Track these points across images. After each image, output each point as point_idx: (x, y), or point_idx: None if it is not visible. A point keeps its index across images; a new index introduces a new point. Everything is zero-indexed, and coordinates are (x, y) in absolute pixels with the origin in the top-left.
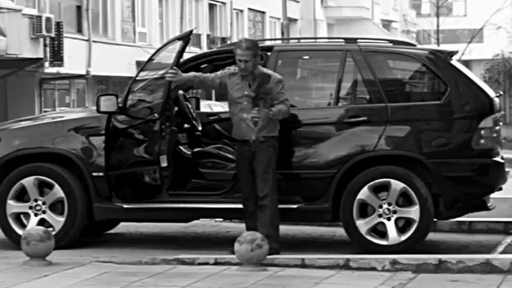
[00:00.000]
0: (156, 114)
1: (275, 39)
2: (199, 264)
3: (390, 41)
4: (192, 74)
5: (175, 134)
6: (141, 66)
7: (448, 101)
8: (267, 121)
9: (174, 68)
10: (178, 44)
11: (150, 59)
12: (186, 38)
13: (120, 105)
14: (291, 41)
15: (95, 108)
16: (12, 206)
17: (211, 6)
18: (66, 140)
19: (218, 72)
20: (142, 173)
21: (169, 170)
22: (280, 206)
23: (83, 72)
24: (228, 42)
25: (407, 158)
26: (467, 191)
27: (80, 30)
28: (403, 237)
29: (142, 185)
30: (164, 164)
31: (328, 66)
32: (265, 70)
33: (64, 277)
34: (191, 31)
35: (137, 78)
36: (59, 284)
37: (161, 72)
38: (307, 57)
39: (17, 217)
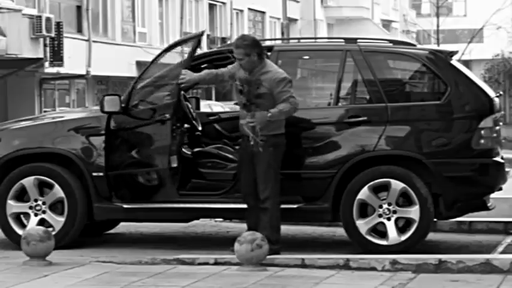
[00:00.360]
0: (167, 115)
1: (275, 39)
2: (199, 264)
3: (390, 41)
4: (204, 72)
5: (184, 135)
6: (146, 66)
7: (448, 101)
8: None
9: (185, 70)
10: (189, 45)
11: (155, 60)
12: (197, 38)
13: (122, 105)
14: (291, 41)
15: (95, 108)
16: (12, 206)
17: (211, 6)
18: (66, 140)
19: (230, 66)
20: (150, 173)
21: (179, 171)
22: (281, 206)
23: (83, 72)
24: (228, 42)
25: (407, 158)
26: (467, 191)
27: (80, 30)
28: (403, 237)
29: (148, 185)
30: (174, 165)
31: (328, 66)
32: (270, 68)
33: (64, 277)
34: (203, 32)
35: (141, 78)
36: (59, 284)
37: (166, 71)
38: (307, 57)
39: (17, 217)
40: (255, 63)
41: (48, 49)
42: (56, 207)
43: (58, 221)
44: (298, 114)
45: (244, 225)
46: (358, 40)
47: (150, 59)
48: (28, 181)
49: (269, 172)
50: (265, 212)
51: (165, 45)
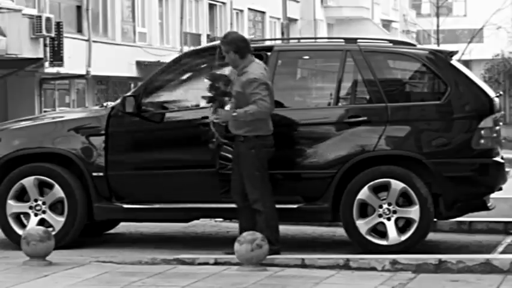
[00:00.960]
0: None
1: (275, 39)
2: (199, 264)
3: (390, 41)
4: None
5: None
6: (160, 68)
7: (448, 101)
8: (237, 121)
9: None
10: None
11: (175, 63)
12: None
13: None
14: (291, 41)
15: (95, 108)
16: (12, 206)
17: (211, 6)
18: (66, 140)
19: None
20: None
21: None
22: (280, 206)
23: (83, 72)
24: None
25: (407, 158)
26: (467, 191)
27: (80, 30)
28: (403, 237)
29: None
30: (218, 167)
31: (328, 66)
32: (249, 69)
33: (64, 277)
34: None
35: (154, 79)
36: (59, 284)
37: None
38: (307, 57)
39: (17, 217)
40: (235, 61)
41: (48, 49)
42: (56, 207)
43: (58, 221)
44: (299, 114)
45: None
46: (358, 40)
47: (150, 59)
48: (28, 181)
49: (254, 174)
50: (259, 213)
51: (165, 45)
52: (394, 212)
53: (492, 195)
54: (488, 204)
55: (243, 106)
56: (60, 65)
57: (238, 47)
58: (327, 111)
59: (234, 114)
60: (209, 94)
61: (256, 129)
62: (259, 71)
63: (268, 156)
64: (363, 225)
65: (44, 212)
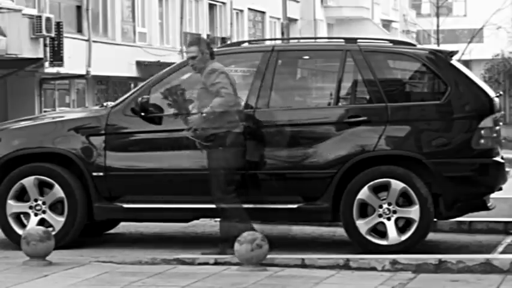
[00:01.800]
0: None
1: (275, 39)
2: (199, 264)
3: (390, 41)
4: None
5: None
6: (167, 70)
7: (448, 101)
8: (208, 119)
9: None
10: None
11: (183, 65)
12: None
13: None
14: (291, 41)
15: (95, 108)
16: (12, 206)
17: (211, 6)
18: (66, 140)
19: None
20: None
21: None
22: (280, 206)
23: (83, 72)
24: (228, 42)
25: (407, 158)
26: (467, 191)
27: (80, 30)
28: (403, 237)
29: None
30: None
31: (328, 66)
32: (210, 65)
33: (64, 277)
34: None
35: (160, 82)
36: (59, 284)
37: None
38: (307, 57)
39: (17, 217)
40: (206, 61)
41: (48, 49)
42: (56, 207)
43: (58, 221)
44: (299, 114)
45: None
46: (358, 40)
47: (150, 59)
48: (28, 181)
49: (219, 172)
50: (224, 212)
51: (165, 45)
52: (394, 212)
53: (492, 195)
54: (488, 204)
55: (208, 103)
56: (60, 65)
57: (212, 49)
58: (327, 111)
59: (204, 115)
60: (173, 110)
61: (223, 126)
62: (218, 64)
63: (238, 155)
64: (363, 225)
65: (44, 212)
